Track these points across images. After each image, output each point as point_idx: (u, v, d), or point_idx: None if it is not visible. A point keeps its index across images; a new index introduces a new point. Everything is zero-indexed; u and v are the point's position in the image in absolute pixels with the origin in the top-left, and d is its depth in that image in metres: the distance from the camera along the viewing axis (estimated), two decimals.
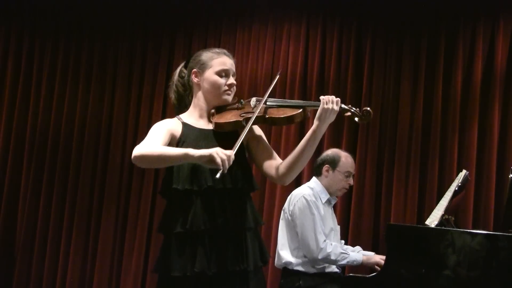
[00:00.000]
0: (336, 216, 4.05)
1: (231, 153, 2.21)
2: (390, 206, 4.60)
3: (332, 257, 3.61)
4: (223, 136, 2.46)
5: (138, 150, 2.31)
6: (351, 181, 3.88)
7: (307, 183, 3.86)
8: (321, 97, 2.45)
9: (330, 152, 3.89)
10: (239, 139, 2.32)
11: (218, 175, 2.17)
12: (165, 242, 2.47)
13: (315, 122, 2.43)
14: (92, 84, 5.47)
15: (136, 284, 5.14)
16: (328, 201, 3.82)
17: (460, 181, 3.67)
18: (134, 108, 5.38)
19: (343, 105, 2.48)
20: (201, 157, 2.21)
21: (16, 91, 5.62)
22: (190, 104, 2.59)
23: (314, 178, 3.84)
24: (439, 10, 4.71)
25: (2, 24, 5.74)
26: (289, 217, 3.73)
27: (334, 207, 4.04)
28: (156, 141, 2.38)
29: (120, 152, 5.34)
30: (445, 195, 3.67)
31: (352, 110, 2.50)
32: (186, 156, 2.25)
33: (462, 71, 4.59)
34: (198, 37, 5.29)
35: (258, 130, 2.59)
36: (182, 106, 2.62)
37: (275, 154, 2.55)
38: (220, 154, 2.19)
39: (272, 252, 4.57)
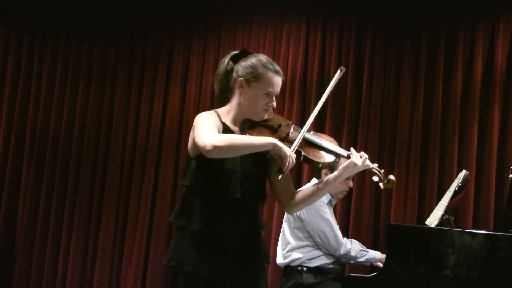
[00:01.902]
0: (336, 216, 4.08)
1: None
2: (390, 206, 4.60)
3: (352, 254, 3.69)
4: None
5: (218, 138, 2.28)
6: (350, 183, 3.89)
7: (310, 184, 3.87)
8: (352, 150, 2.50)
9: None
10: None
11: (279, 177, 2.34)
12: (182, 236, 2.45)
13: (339, 171, 2.49)
14: (92, 84, 5.48)
15: (136, 284, 5.14)
16: (330, 202, 3.86)
17: (460, 181, 3.67)
18: (134, 108, 5.38)
19: (372, 167, 2.51)
20: (281, 149, 2.32)
21: (16, 91, 5.63)
22: (229, 99, 2.55)
23: (314, 180, 3.85)
24: (439, 10, 4.70)
25: (2, 24, 5.74)
26: (296, 217, 3.75)
27: (334, 207, 4.06)
28: (216, 131, 2.37)
29: (120, 152, 5.34)
30: (445, 195, 3.67)
31: (379, 174, 2.51)
32: (273, 145, 2.32)
33: (462, 71, 4.59)
34: (198, 37, 5.29)
35: None
36: (222, 98, 2.57)
37: (291, 182, 2.60)
38: (292, 158, 2.33)
39: (272, 251, 4.57)
